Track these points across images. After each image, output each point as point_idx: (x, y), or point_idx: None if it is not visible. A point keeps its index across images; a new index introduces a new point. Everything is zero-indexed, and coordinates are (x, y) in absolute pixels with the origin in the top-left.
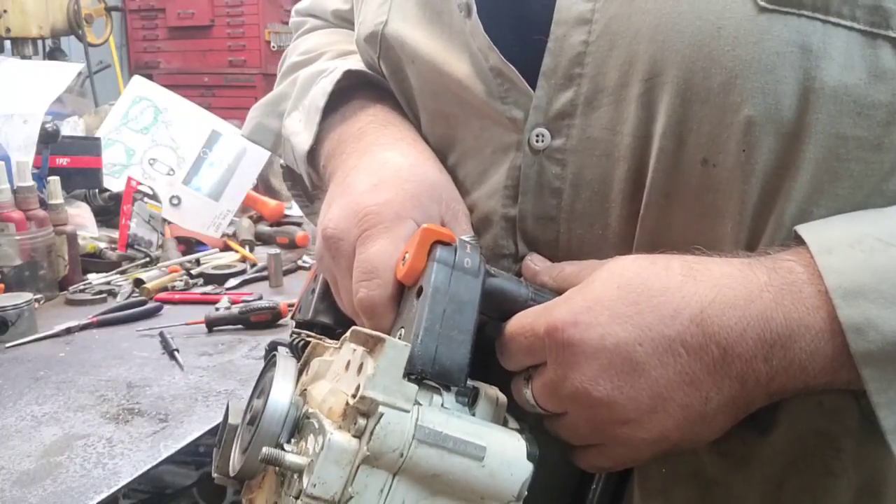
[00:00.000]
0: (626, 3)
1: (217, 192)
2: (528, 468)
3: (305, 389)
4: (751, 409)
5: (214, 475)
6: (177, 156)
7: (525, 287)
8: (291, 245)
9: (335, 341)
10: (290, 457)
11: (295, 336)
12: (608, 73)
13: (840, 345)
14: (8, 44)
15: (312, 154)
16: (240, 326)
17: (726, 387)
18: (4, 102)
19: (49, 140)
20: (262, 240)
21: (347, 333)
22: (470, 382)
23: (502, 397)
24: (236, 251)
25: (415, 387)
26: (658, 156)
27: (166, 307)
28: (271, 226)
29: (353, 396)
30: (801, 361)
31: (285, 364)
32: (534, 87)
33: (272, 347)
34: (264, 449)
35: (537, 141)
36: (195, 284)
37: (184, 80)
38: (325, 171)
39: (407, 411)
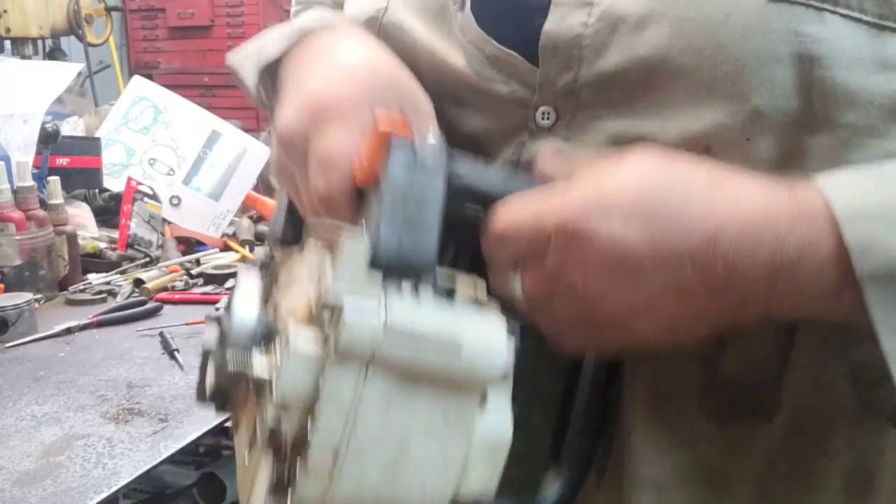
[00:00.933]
0: None
1: (217, 192)
2: (509, 350)
3: (276, 301)
4: (737, 325)
5: (198, 402)
6: (177, 156)
7: (495, 174)
8: None
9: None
10: (258, 367)
11: (264, 255)
12: (610, 58)
13: (845, 268)
14: (8, 44)
15: (273, 73)
16: None
17: (723, 306)
18: (4, 102)
19: (49, 140)
20: (263, 240)
21: (307, 229)
22: (444, 270)
23: (481, 282)
24: (236, 251)
25: (380, 275)
26: (659, 141)
27: (166, 307)
28: None
29: (316, 295)
30: (805, 286)
31: (246, 277)
32: (537, 67)
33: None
34: (230, 362)
35: (543, 118)
36: (195, 284)
37: (184, 80)
38: (280, 82)
39: (374, 303)
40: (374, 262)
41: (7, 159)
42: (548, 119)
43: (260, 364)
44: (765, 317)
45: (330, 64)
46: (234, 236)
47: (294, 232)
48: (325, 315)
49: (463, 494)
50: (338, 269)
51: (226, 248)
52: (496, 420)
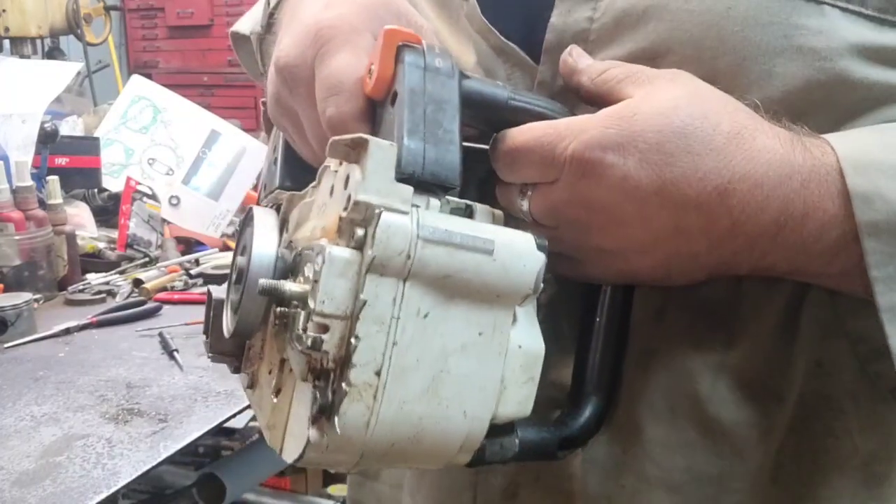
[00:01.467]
0: None
1: (216, 191)
2: (540, 258)
3: (291, 241)
4: (730, 274)
5: (209, 356)
6: (176, 155)
7: (502, 87)
8: None
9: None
10: (290, 285)
11: (268, 202)
12: (613, 51)
13: (848, 223)
14: (7, 43)
15: (272, 19)
16: None
17: (722, 254)
18: (3, 102)
19: (48, 140)
20: None
21: (326, 154)
22: (462, 200)
23: (498, 211)
24: None
25: (409, 188)
26: None
27: (166, 307)
28: None
29: (345, 209)
30: (807, 242)
31: (264, 215)
32: (538, 63)
33: (250, 209)
34: (261, 280)
35: None
36: (194, 284)
37: (183, 80)
38: (277, 23)
39: (406, 213)
40: (401, 171)
41: (6, 159)
42: None
43: (290, 285)
44: (760, 270)
45: None
46: (233, 236)
47: (295, 179)
48: (357, 230)
49: (502, 413)
50: (367, 181)
51: (225, 247)
52: (528, 335)
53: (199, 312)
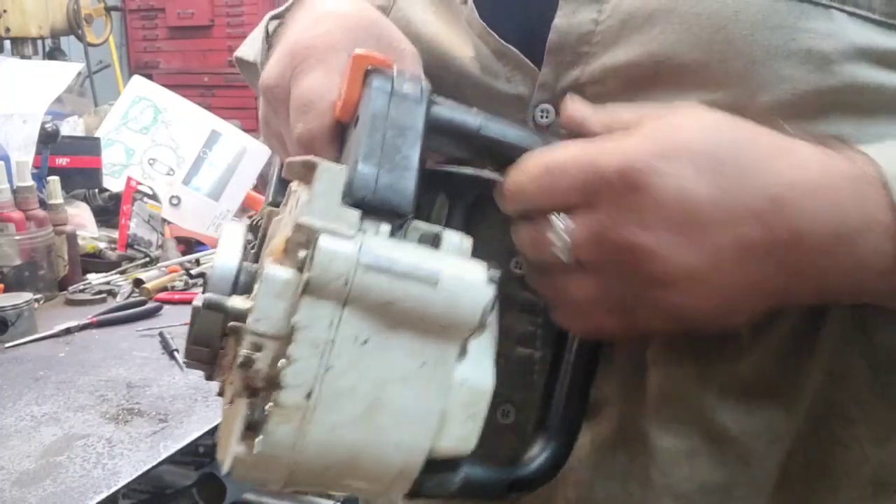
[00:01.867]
0: None
1: (217, 192)
2: (488, 292)
3: (262, 256)
4: (791, 304)
5: (184, 361)
6: (176, 156)
7: (474, 114)
8: None
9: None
10: (233, 300)
11: (257, 216)
12: (618, 54)
13: None
14: (7, 43)
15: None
16: None
17: (782, 276)
18: (4, 102)
19: (49, 140)
20: None
21: (284, 173)
22: (431, 226)
23: (467, 240)
24: None
25: (356, 212)
26: None
27: (166, 307)
28: None
29: (292, 231)
30: (864, 259)
31: (230, 228)
32: (539, 66)
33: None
34: (206, 295)
35: (542, 117)
36: (195, 284)
37: (183, 80)
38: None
39: (349, 237)
40: (351, 196)
41: (7, 159)
42: (546, 118)
43: (236, 300)
44: (820, 293)
45: (311, 14)
46: None
47: (285, 195)
48: (300, 252)
49: (440, 448)
50: (313, 202)
51: None
52: (476, 370)
53: None
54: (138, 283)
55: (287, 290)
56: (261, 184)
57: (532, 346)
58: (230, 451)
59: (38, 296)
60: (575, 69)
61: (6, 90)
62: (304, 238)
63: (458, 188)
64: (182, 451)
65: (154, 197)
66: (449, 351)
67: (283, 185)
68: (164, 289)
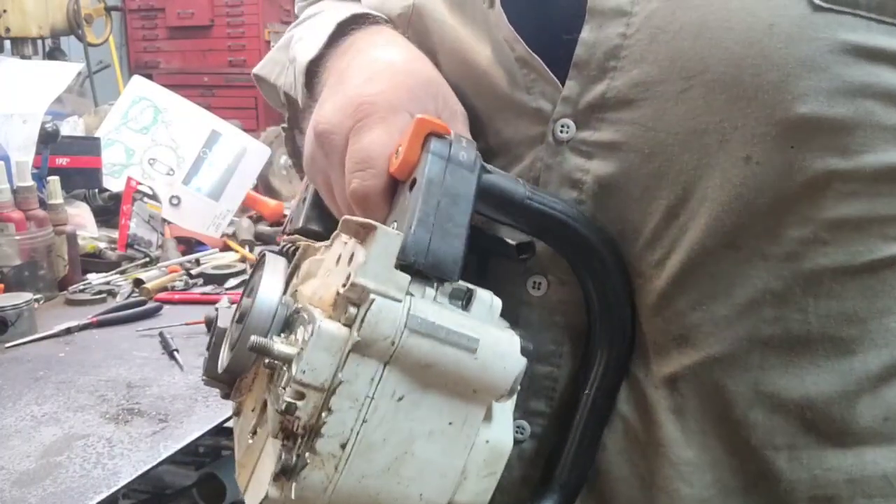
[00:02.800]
0: None
1: (217, 192)
2: (521, 362)
3: (297, 290)
4: None
5: (203, 378)
6: (176, 156)
7: (522, 185)
8: None
9: (326, 241)
10: (280, 345)
11: (286, 243)
12: (646, 68)
13: None
14: (8, 44)
15: (313, 73)
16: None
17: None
18: (4, 102)
19: (49, 140)
20: (262, 240)
21: (339, 226)
22: (464, 283)
23: (497, 300)
24: (236, 251)
25: (407, 276)
26: (696, 154)
27: (166, 307)
28: (271, 226)
29: (344, 286)
30: None
31: (274, 262)
32: (560, 79)
33: (263, 254)
34: (252, 337)
35: (562, 132)
36: (195, 284)
37: (184, 80)
38: (320, 84)
39: (399, 300)
40: (404, 259)
41: (7, 159)
42: (566, 132)
43: (281, 343)
44: None
45: (370, 64)
46: (233, 236)
47: (318, 224)
48: (350, 308)
49: (457, 501)
50: (368, 265)
51: (225, 248)
52: (499, 432)
53: (199, 312)
54: (138, 283)
55: (335, 345)
56: (261, 184)
57: (551, 363)
58: (262, 488)
59: (38, 296)
60: (601, 84)
61: (6, 90)
62: (357, 296)
63: (475, 243)
64: (182, 451)
65: (154, 197)
66: (476, 412)
67: (317, 213)
68: (164, 289)
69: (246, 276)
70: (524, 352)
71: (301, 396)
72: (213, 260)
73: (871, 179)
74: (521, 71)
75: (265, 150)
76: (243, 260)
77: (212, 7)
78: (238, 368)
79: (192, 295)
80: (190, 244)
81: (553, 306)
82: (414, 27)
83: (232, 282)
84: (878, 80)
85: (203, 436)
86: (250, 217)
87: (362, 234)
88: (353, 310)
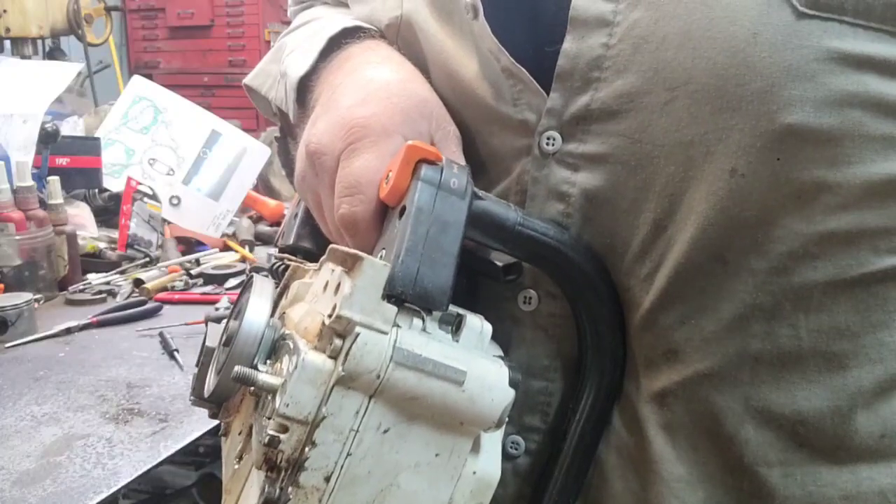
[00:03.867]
0: (653, 6)
1: (217, 192)
2: (509, 394)
3: (284, 313)
4: None
5: (190, 398)
6: (176, 156)
7: (514, 211)
8: None
9: (315, 264)
10: (264, 376)
11: (275, 261)
12: (630, 79)
13: None
14: (8, 43)
15: (304, 88)
16: None
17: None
18: (4, 102)
19: (49, 140)
20: (262, 240)
21: (326, 253)
22: (454, 309)
23: (487, 325)
24: (236, 251)
25: (394, 308)
26: (682, 166)
27: (166, 307)
28: (271, 226)
29: (329, 316)
30: None
31: (261, 285)
32: (546, 90)
33: (252, 273)
34: (237, 368)
35: (548, 144)
36: (195, 284)
37: (184, 80)
38: (313, 99)
39: (385, 333)
40: (391, 290)
41: (7, 159)
42: (552, 145)
43: (266, 373)
44: None
45: (365, 84)
46: (233, 236)
47: (310, 241)
48: (335, 340)
49: None
50: (354, 296)
51: (225, 248)
52: (486, 463)
53: (199, 312)
54: (138, 283)
55: (319, 378)
56: (260, 184)
57: (546, 378)
58: None
59: (38, 296)
60: (584, 95)
61: (6, 90)
62: (342, 328)
63: (472, 262)
64: (182, 451)
65: (154, 197)
66: (463, 444)
67: (307, 231)
68: (164, 289)
69: (246, 277)
70: (512, 383)
71: (284, 429)
72: (213, 260)
73: (860, 191)
74: (507, 82)
75: (265, 150)
76: (243, 260)
77: (212, 7)
78: (224, 394)
79: (192, 295)
80: (190, 244)
81: (545, 320)
82: (403, 37)
83: (232, 282)
84: (865, 90)
85: (203, 436)
86: (250, 217)
87: (349, 263)
88: (338, 341)
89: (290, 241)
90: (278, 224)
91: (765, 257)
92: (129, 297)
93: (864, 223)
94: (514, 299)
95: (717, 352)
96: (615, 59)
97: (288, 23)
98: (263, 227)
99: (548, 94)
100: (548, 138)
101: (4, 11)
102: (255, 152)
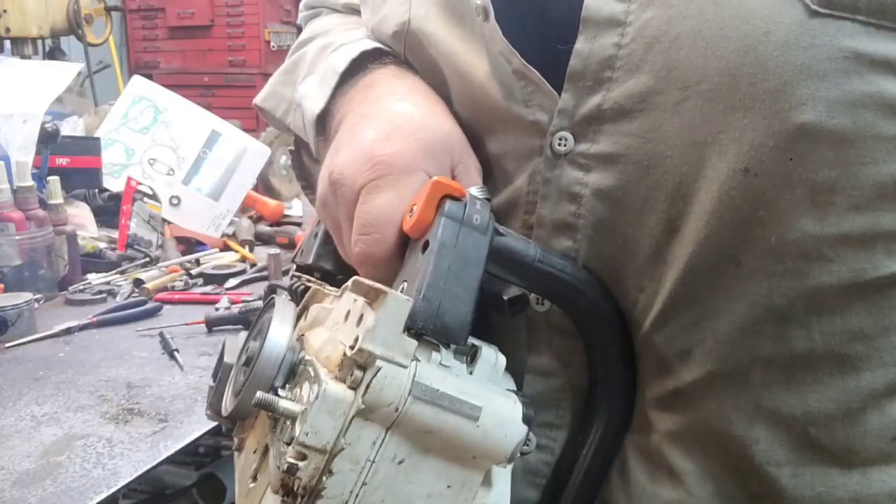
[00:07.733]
0: (665, 6)
1: (217, 192)
2: (522, 430)
3: (303, 335)
4: None
5: (207, 412)
6: (176, 156)
7: (533, 247)
8: (291, 245)
9: (336, 288)
10: (285, 403)
11: (295, 280)
12: (642, 79)
13: None
14: (8, 43)
15: (323, 119)
16: (240, 326)
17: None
18: (4, 102)
19: (49, 140)
20: (262, 240)
21: (349, 283)
22: (470, 340)
23: (501, 357)
24: (236, 251)
25: (414, 342)
26: (694, 166)
27: (166, 307)
28: (271, 226)
29: (352, 348)
30: None
31: (284, 307)
32: (558, 90)
33: (271, 290)
34: (258, 394)
35: (560, 145)
36: (195, 284)
37: (184, 80)
38: (335, 122)
39: (405, 367)
40: (412, 324)
41: (7, 159)
42: (564, 145)
43: (286, 398)
44: None
45: (390, 118)
46: (233, 236)
47: (329, 262)
48: (356, 371)
49: None
50: (376, 330)
51: (226, 247)
52: (497, 497)
53: (199, 312)
54: (138, 282)
55: (339, 408)
56: (260, 184)
57: (559, 376)
58: None
59: (38, 296)
60: (596, 95)
61: (6, 90)
62: (364, 360)
63: (488, 295)
64: (182, 451)
65: (154, 197)
66: (475, 476)
67: (328, 251)
68: (164, 289)
69: (245, 277)
70: (526, 419)
71: (303, 457)
72: (213, 260)
73: (872, 193)
74: (518, 83)
75: (265, 150)
76: (243, 260)
77: (212, 7)
78: (242, 414)
79: (192, 295)
80: (190, 244)
81: (558, 320)
82: (409, 44)
83: (232, 282)
84: (878, 90)
85: (203, 436)
86: (250, 217)
87: (373, 295)
88: (358, 373)
89: (310, 261)
90: (278, 224)
91: (779, 259)
92: (129, 297)
93: (878, 225)
94: (523, 329)
95: (729, 353)
96: (627, 59)
97: (288, 23)
98: (263, 227)
99: (559, 94)
100: (560, 139)
101: (4, 11)
102: (255, 152)
